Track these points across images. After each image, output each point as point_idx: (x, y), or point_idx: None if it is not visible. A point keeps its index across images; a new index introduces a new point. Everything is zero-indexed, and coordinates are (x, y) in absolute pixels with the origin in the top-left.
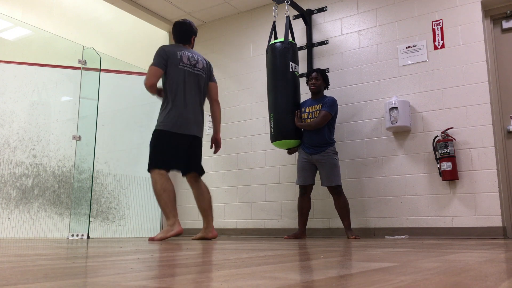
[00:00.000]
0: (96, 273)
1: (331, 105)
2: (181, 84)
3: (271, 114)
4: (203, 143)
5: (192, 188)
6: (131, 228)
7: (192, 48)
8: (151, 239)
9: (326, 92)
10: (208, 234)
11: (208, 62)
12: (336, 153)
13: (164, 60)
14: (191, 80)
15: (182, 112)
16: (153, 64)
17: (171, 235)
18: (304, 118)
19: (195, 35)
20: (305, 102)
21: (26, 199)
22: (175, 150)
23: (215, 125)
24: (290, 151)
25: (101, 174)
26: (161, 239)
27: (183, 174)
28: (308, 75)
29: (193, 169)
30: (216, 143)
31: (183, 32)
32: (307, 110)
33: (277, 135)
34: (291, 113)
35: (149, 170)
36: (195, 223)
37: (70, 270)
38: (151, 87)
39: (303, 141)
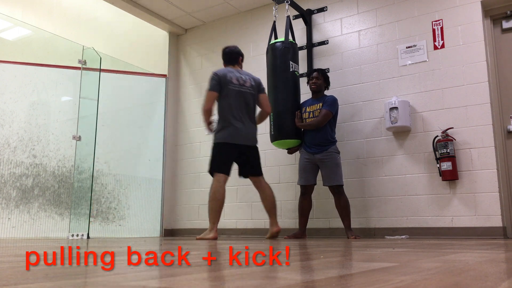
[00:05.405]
0: (96, 273)
1: (332, 103)
2: (233, 102)
3: (271, 113)
4: (205, 143)
5: (257, 189)
6: (131, 228)
7: (240, 67)
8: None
9: (326, 92)
10: (274, 229)
11: (257, 78)
12: (339, 152)
13: (217, 83)
14: (240, 98)
15: (234, 126)
16: (208, 90)
17: (207, 239)
18: (304, 117)
19: (242, 57)
20: (305, 102)
21: (26, 199)
22: (231, 157)
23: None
24: (290, 151)
25: (101, 174)
26: (199, 239)
27: (245, 176)
28: (309, 74)
29: (253, 172)
30: None
31: (231, 54)
32: (308, 109)
33: (277, 135)
34: (291, 113)
35: (211, 173)
36: (195, 223)
37: (70, 270)
38: (207, 112)
39: (305, 140)
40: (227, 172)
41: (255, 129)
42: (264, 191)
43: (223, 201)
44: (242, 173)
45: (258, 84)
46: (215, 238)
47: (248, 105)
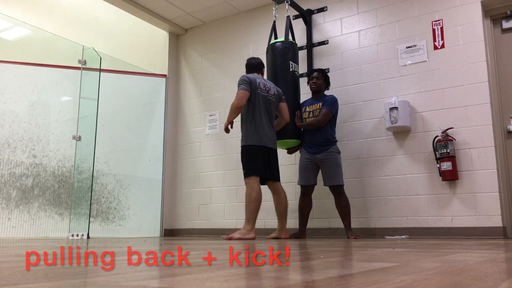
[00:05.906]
0: (96, 273)
1: (332, 103)
2: (259, 106)
3: None
4: (205, 143)
5: (272, 193)
6: (131, 228)
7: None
8: (228, 238)
9: (326, 92)
10: (281, 235)
11: (278, 88)
12: (339, 152)
13: (249, 85)
14: (266, 103)
15: (263, 129)
16: (242, 89)
17: (247, 238)
18: (304, 117)
19: (264, 67)
20: (305, 101)
21: (26, 199)
22: (263, 159)
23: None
24: (290, 151)
25: (101, 174)
26: (238, 239)
27: (265, 181)
28: (309, 74)
29: (272, 177)
30: None
31: (258, 64)
32: (308, 109)
33: (277, 135)
34: (291, 113)
35: (246, 177)
36: (195, 223)
37: (70, 270)
38: (239, 109)
39: (305, 140)
40: (261, 174)
41: (275, 134)
42: (279, 195)
43: (261, 202)
44: (264, 179)
45: (279, 93)
46: (254, 238)
47: (271, 111)
